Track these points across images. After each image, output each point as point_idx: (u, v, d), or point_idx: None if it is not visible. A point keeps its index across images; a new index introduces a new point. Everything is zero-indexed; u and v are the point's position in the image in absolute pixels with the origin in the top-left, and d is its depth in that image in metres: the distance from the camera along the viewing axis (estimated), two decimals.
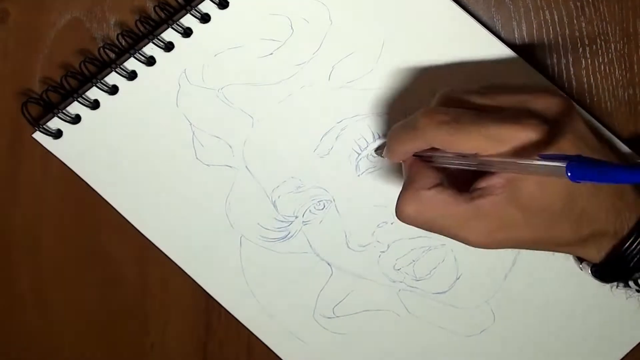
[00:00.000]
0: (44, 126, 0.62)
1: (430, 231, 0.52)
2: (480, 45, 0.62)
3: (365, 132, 0.63)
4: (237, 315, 0.65)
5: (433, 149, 0.51)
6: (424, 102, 0.58)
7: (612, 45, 0.63)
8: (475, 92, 0.53)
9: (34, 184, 0.64)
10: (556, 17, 0.64)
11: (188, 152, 0.63)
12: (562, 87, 0.63)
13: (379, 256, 0.64)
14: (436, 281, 0.64)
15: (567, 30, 0.63)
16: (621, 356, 0.65)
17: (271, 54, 0.63)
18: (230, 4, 0.62)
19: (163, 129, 0.63)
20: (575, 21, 0.64)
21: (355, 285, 0.64)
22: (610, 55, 0.64)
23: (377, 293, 0.64)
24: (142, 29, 0.63)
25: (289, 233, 0.64)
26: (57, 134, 0.63)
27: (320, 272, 0.64)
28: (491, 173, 0.50)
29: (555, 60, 0.64)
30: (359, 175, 0.63)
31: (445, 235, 0.52)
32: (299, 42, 0.63)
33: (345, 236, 0.64)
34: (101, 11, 0.64)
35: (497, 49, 0.62)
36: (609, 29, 0.63)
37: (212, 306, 0.65)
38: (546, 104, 0.50)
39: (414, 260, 0.64)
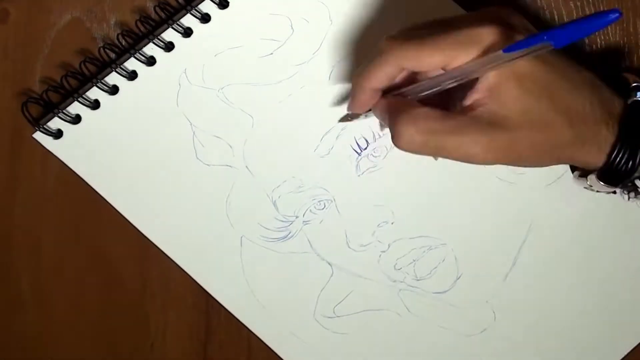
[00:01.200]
0: (45, 126, 0.62)
1: (432, 153, 0.52)
2: None
3: (365, 132, 0.63)
4: (237, 316, 0.65)
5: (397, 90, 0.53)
6: None
7: (612, 45, 0.63)
8: (430, 22, 0.53)
9: (34, 184, 0.64)
10: (556, 17, 0.64)
11: (188, 152, 0.63)
12: None
13: (380, 256, 0.64)
14: (437, 281, 0.64)
15: None
16: (622, 355, 0.65)
17: (271, 54, 0.63)
18: (230, 4, 0.62)
19: (163, 129, 0.63)
20: None
21: (356, 285, 0.64)
22: (610, 55, 0.63)
23: (377, 293, 0.64)
24: (142, 28, 0.63)
25: (290, 233, 0.64)
26: (58, 134, 0.63)
27: (321, 272, 0.64)
28: (469, 90, 0.51)
29: None
30: (359, 175, 0.63)
31: (447, 155, 0.51)
32: (299, 42, 0.63)
33: (346, 236, 0.64)
34: (101, 11, 0.64)
35: None
36: (609, 28, 0.63)
37: (212, 306, 0.65)
38: (492, 13, 0.52)
39: (414, 260, 0.64)
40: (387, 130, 0.61)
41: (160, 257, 0.64)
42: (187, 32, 0.62)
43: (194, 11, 0.62)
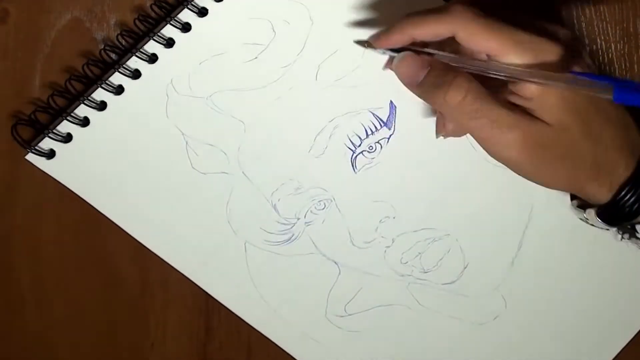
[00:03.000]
0: (36, 147, 0.62)
1: (468, 129, 0.53)
2: None
3: (358, 129, 0.62)
4: (249, 321, 0.65)
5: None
6: (413, 96, 0.57)
7: (612, 45, 0.63)
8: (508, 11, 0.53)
9: (34, 184, 0.64)
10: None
11: (183, 162, 0.63)
12: None
13: (385, 251, 0.64)
14: (444, 272, 0.64)
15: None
16: (636, 331, 0.65)
17: (256, 58, 0.62)
18: (209, 12, 0.62)
19: (156, 141, 0.63)
20: (575, 21, 0.63)
21: (364, 282, 0.65)
22: (610, 55, 0.63)
23: (386, 288, 0.65)
24: (123, 42, 0.63)
25: (293, 235, 0.64)
26: (50, 154, 0.62)
27: (328, 272, 0.64)
28: (515, 84, 0.51)
29: None
30: (356, 173, 0.63)
31: (479, 134, 0.52)
32: (282, 44, 0.62)
33: (349, 234, 0.64)
34: (101, 11, 0.63)
35: None
36: (609, 29, 0.63)
37: (212, 306, 0.65)
38: (563, 33, 0.52)
39: (420, 253, 0.64)
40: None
41: (160, 257, 0.64)
42: (170, 43, 0.62)
43: (173, 21, 0.61)
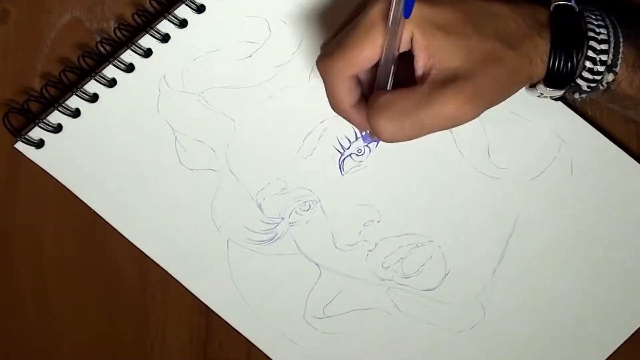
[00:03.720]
0: (26, 136, 0.62)
1: (416, 134, 0.52)
2: None
3: (347, 132, 0.63)
4: (227, 319, 0.65)
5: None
6: None
7: None
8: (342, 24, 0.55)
9: (34, 184, 0.64)
10: None
11: (171, 157, 0.63)
12: None
13: (367, 255, 0.64)
14: (425, 278, 0.64)
15: None
16: (612, 350, 0.65)
17: (250, 56, 0.63)
18: (207, 9, 0.62)
19: (145, 135, 0.63)
20: None
21: (345, 285, 0.64)
22: None
23: (366, 292, 0.64)
24: (120, 35, 0.63)
25: (276, 235, 0.64)
26: (40, 144, 0.63)
27: (309, 273, 0.64)
28: (414, 62, 0.52)
29: None
30: (343, 175, 0.63)
31: (429, 129, 0.51)
32: (277, 43, 0.63)
33: (332, 236, 0.64)
34: (101, 11, 0.64)
35: None
36: None
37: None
38: None
39: (402, 258, 0.64)
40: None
41: (138, 248, 0.64)
42: (165, 38, 0.62)
43: (170, 17, 0.62)
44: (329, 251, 0.64)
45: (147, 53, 0.62)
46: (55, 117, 0.63)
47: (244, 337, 0.65)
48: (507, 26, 0.52)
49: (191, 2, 0.62)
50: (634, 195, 0.64)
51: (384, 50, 0.51)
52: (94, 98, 0.62)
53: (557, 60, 0.53)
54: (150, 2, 0.63)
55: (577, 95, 0.56)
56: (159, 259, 0.64)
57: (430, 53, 0.50)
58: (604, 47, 0.53)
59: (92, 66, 0.63)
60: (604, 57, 0.53)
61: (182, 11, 0.62)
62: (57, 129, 0.63)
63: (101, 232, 0.65)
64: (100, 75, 0.62)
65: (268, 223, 0.64)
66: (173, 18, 0.62)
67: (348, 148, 0.63)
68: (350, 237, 0.64)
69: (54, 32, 0.64)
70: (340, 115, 0.55)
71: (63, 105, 0.62)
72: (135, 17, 0.63)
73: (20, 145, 0.63)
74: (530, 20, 0.53)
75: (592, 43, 0.53)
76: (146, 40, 0.62)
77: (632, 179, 0.64)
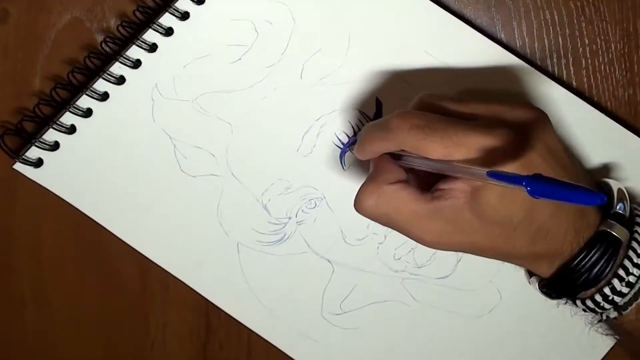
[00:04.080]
0: (24, 156, 0.61)
1: (387, 226, 0.52)
2: (460, 39, 0.62)
3: (345, 127, 0.62)
4: (246, 323, 0.65)
5: (403, 150, 0.51)
6: (398, 92, 0.59)
7: (612, 45, 0.63)
8: (452, 99, 0.52)
9: (34, 184, 0.63)
10: (556, 17, 0.63)
11: (172, 165, 0.63)
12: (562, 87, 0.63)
13: (378, 248, 0.63)
14: (438, 266, 0.64)
15: (567, 30, 0.63)
16: None
17: (239, 59, 0.62)
18: (191, 15, 0.61)
19: (143, 145, 0.62)
20: (575, 21, 0.63)
21: (359, 279, 0.64)
22: (610, 55, 0.63)
23: (381, 284, 0.64)
24: (107, 49, 0.62)
25: (285, 235, 0.63)
26: (38, 163, 0.62)
27: (322, 270, 0.64)
28: (456, 177, 0.49)
29: (555, 60, 0.63)
30: (345, 170, 0.63)
31: (399, 232, 0.52)
32: (265, 44, 0.62)
33: (341, 231, 0.63)
34: (101, 11, 0.63)
35: (481, 45, 0.62)
36: (609, 29, 0.62)
37: (212, 306, 0.65)
38: (520, 115, 0.50)
39: (412, 248, 0.63)
40: None
41: (154, 262, 0.64)
42: (153, 47, 0.61)
43: (155, 26, 0.61)
44: (340, 247, 0.63)
45: (136, 64, 0.61)
46: (51, 135, 0.62)
47: (244, 337, 0.66)
48: (554, 230, 0.51)
49: (175, 9, 0.61)
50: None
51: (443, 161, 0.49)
52: (87, 113, 0.62)
53: (570, 274, 0.52)
54: (134, 12, 0.62)
55: (569, 305, 0.55)
56: (173, 270, 0.64)
57: (471, 195, 0.49)
58: (624, 289, 0.51)
59: (83, 81, 0.63)
60: (617, 299, 0.52)
61: (167, 19, 0.61)
62: (54, 146, 0.62)
63: (101, 232, 0.64)
64: (91, 90, 0.61)
65: (276, 224, 0.63)
66: (158, 27, 0.61)
67: (347, 142, 0.62)
68: (359, 231, 0.63)
69: (54, 32, 0.63)
70: (361, 139, 0.54)
71: (58, 122, 0.61)
72: (120, 28, 0.62)
73: (19, 166, 0.62)
74: (579, 232, 0.52)
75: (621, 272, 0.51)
76: (134, 51, 0.61)
77: None
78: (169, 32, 0.61)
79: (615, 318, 0.53)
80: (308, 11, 0.61)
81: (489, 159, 0.47)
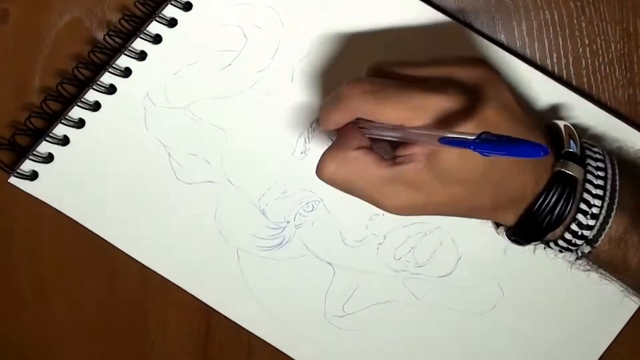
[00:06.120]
0: (18, 170, 0.61)
1: (348, 192, 0.52)
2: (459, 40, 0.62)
3: None
4: (249, 328, 0.65)
5: (365, 120, 0.51)
6: None
7: (612, 45, 0.62)
8: (403, 64, 0.52)
9: None
10: (556, 17, 0.62)
11: (167, 174, 0.62)
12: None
13: (377, 248, 0.63)
14: (438, 265, 0.64)
15: (567, 30, 0.62)
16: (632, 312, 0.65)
17: (230, 64, 0.61)
18: (179, 22, 0.61)
19: (138, 154, 0.62)
20: (575, 21, 0.62)
21: (360, 281, 0.64)
22: (610, 55, 0.62)
23: (383, 285, 0.64)
24: (95, 59, 0.62)
25: (284, 239, 0.63)
26: (33, 176, 0.62)
27: (323, 273, 0.64)
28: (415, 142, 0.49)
29: (555, 60, 0.62)
30: None
31: (361, 198, 0.52)
32: (255, 49, 0.61)
33: (340, 234, 0.63)
34: (101, 11, 0.63)
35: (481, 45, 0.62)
36: (609, 28, 0.62)
37: (212, 306, 0.65)
38: (472, 74, 0.50)
39: (412, 247, 0.63)
40: None
41: (155, 272, 0.64)
42: (142, 56, 0.61)
43: (144, 34, 0.60)
44: (339, 249, 0.63)
45: (126, 73, 0.61)
46: (44, 147, 0.62)
47: (244, 337, 0.65)
48: (514, 186, 0.51)
49: (162, 17, 0.60)
50: None
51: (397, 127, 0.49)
52: (80, 124, 0.61)
53: (533, 218, 0.52)
54: (119, 21, 0.61)
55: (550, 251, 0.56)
56: (175, 279, 0.64)
57: (430, 158, 0.49)
58: (590, 222, 0.52)
59: (73, 92, 0.62)
60: (586, 232, 0.52)
61: (155, 27, 0.61)
62: (48, 159, 0.62)
63: None
64: (82, 101, 0.61)
65: (274, 228, 0.63)
66: (146, 35, 0.60)
67: None
68: (358, 232, 0.63)
69: (54, 32, 0.63)
70: (323, 122, 0.54)
71: (50, 134, 0.61)
72: (107, 38, 0.61)
73: (14, 180, 0.62)
74: (537, 179, 0.52)
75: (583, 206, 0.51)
76: (123, 60, 0.61)
77: None
78: (157, 39, 0.61)
79: (590, 252, 0.53)
80: (296, 15, 0.61)
81: (443, 119, 0.47)
